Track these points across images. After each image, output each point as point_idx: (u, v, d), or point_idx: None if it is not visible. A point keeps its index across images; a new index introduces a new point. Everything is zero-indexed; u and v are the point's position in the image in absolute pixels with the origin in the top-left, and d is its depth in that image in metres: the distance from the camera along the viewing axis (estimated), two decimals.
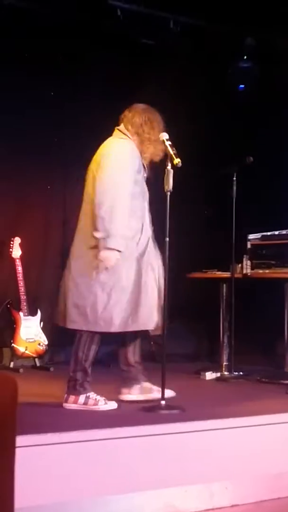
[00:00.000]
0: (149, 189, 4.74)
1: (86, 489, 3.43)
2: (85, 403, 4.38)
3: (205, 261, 6.58)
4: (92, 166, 4.71)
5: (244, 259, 5.89)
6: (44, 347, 6.19)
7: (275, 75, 6.94)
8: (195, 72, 7.18)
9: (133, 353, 4.77)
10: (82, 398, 4.41)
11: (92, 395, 4.43)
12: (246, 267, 5.87)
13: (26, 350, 6.09)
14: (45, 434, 3.41)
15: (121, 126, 4.91)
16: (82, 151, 6.95)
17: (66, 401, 4.42)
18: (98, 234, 4.40)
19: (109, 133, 6.93)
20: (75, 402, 4.39)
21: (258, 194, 6.81)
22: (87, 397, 4.42)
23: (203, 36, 6.86)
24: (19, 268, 6.23)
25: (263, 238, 5.83)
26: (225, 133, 7.18)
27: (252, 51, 6.99)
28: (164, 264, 4.46)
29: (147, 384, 4.66)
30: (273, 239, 5.73)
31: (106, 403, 4.39)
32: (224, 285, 6.08)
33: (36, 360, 6.19)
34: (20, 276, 6.21)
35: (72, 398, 4.42)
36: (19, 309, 6.19)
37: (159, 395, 4.26)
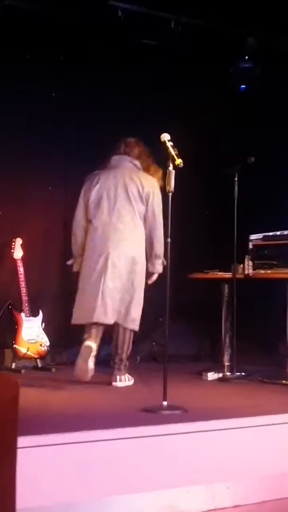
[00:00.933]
0: None
1: (87, 490, 3.42)
2: (129, 379, 5.44)
3: (206, 262, 6.57)
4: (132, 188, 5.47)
5: (246, 259, 5.89)
6: (46, 348, 6.19)
7: (277, 75, 6.94)
8: (196, 72, 7.18)
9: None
10: (128, 376, 5.46)
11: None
12: (248, 267, 5.86)
13: (27, 351, 6.09)
14: (46, 435, 3.41)
15: (147, 161, 5.67)
16: (83, 152, 7.00)
17: (119, 381, 5.42)
18: (161, 260, 5.47)
19: (110, 134, 6.98)
20: (125, 380, 5.43)
21: (260, 194, 6.81)
22: (129, 376, 5.47)
23: (204, 36, 6.86)
24: (21, 269, 6.23)
25: (265, 238, 5.82)
26: (226, 133, 7.18)
27: (253, 52, 6.99)
28: (167, 264, 4.47)
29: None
30: (275, 239, 5.73)
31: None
32: (226, 286, 6.07)
33: (38, 361, 6.19)
34: (21, 277, 6.21)
35: (124, 377, 5.43)
36: (21, 310, 6.19)
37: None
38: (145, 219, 5.47)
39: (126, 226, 5.40)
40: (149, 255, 5.49)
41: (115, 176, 5.50)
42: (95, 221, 5.51)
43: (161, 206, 5.44)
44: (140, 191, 5.44)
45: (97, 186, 5.53)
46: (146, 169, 5.62)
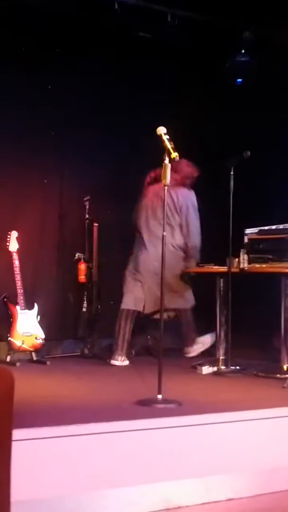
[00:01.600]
0: None
1: (82, 483, 3.43)
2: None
3: (202, 256, 6.58)
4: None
5: (241, 253, 5.88)
6: (41, 341, 6.19)
7: (273, 69, 6.93)
8: (192, 66, 7.18)
9: None
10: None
11: None
12: (243, 261, 5.86)
13: (22, 344, 6.09)
14: (41, 428, 3.41)
15: None
16: (78, 145, 6.99)
17: (191, 352, 6.43)
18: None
19: (105, 128, 6.98)
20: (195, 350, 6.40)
21: (256, 188, 6.81)
22: None
23: (200, 30, 6.85)
24: (16, 262, 6.22)
25: (261, 232, 5.81)
26: (222, 127, 7.18)
27: (250, 45, 6.98)
28: (162, 257, 4.45)
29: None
30: (271, 233, 5.72)
31: None
32: (221, 280, 6.07)
33: (33, 354, 6.19)
34: (17, 270, 6.20)
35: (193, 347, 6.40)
36: (16, 303, 6.19)
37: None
38: None
39: None
40: None
41: None
42: None
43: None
44: None
45: None
46: None
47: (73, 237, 6.99)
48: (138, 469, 3.58)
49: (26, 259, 6.53)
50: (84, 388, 5.01)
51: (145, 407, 4.14)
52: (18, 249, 6.29)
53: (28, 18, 6.31)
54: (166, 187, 4.39)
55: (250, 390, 5.07)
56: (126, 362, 6.19)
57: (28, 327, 6.17)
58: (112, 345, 6.31)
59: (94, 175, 7.05)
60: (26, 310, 6.21)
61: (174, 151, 4.39)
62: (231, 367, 5.89)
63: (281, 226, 5.69)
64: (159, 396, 4.21)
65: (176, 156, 4.36)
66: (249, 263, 5.84)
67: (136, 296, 6.31)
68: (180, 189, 6.36)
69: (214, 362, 5.99)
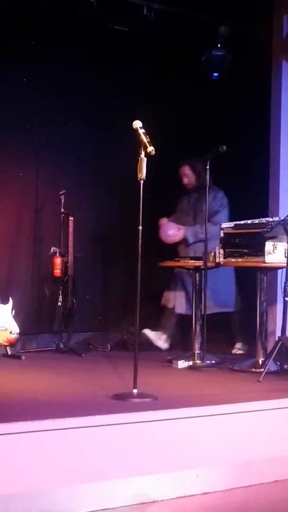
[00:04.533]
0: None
1: (57, 478, 3.42)
2: None
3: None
4: None
5: (217, 247, 5.90)
6: (16, 336, 6.16)
7: (249, 63, 6.95)
8: (168, 59, 7.17)
9: None
10: None
11: None
12: (219, 255, 5.87)
13: None
14: (16, 423, 3.39)
15: None
16: (55, 139, 6.97)
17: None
18: None
19: (82, 122, 6.95)
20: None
21: (232, 182, 6.82)
22: None
23: (177, 23, 6.84)
24: None
25: (236, 226, 5.83)
26: (198, 121, 7.18)
27: (225, 40, 6.98)
28: (136, 252, 4.44)
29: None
30: (246, 227, 5.73)
31: None
32: (197, 274, 6.08)
33: (8, 348, 6.15)
34: None
35: None
36: None
37: None
38: None
39: None
40: None
41: None
42: None
43: None
44: None
45: None
46: None
47: (48, 231, 6.95)
48: (113, 463, 3.57)
49: (1, 253, 6.49)
50: (60, 382, 4.99)
51: (120, 402, 4.13)
52: None
53: (2, 10, 6.26)
54: (142, 181, 4.37)
55: (225, 384, 5.09)
56: None
57: (2, 321, 6.13)
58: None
59: (70, 168, 7.03)
60: (1, 305, 6.17)
61: (150, 145, 4.37)
62: (207, 361, 5.90)
63: (256, 221, 5.70)
64: (135, 391, 4.21)
65: (152, 150, 4.35)
66: (224, 258, 5.85)
67: None
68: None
69: (189, 357, 6.00)
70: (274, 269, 5.79)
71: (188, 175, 6.71)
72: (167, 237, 6.55)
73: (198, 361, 5.95)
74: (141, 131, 4.44)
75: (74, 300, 6.62)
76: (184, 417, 3.88)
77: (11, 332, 6.13)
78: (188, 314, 6.35)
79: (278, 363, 5.32)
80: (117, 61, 7.05)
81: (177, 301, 6.63)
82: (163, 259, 6.27)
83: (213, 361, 5.94)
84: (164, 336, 6.70)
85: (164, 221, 6.58)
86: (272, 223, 5.48)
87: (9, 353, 6.16)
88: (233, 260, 5.80)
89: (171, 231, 6.56)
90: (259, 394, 4.60)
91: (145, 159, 4.34)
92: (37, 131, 6.90)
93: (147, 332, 6.56)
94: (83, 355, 6.28)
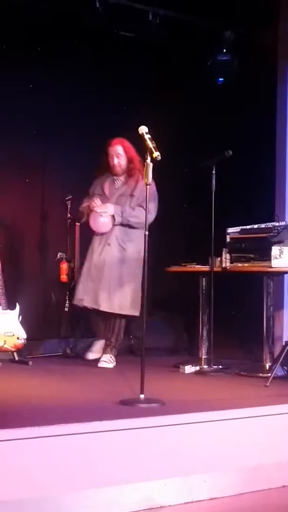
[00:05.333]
0: None
1: (64, 483, 3.41)
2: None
3: (184, 255, 6.59)
4: None
5: (223, 252, 5.90)
6: (23, 341, 6.15)
7: (254, 68, 6.95)
8: (174, 65, 7.18)
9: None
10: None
11: None
12: (225, 260, 5.87)
13: (4, 344, 6.05)
14: (23, 428, 3.39)
15: None
16: (61, 144, 6.97)
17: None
18: None
19: (88, 127, 6.96)
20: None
21: (238, 187, 6.82)
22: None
23: (182, 29, 6.85)
24: None
25: (242, 231, 5.83)
26: (204, 126, 7.19)
27: (231, 45, 6.99)
28: (144, 258, 4.44)
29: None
30: (252, 232, 5.73)
31: None
32: (203, 279, 6.08)
33: (15, 354, 6.15)
34: None
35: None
36: None
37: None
38: None
39: None
40: None
41: None
42: None
43: None
44: None
45: None
46: None
47: (55, 237, 6.96)
48: (121, 468, 3.57)
49: (8, 259, 6.49)
50: (66, 388, 4.99)
51: (128, 407, 4.13)
52: None
53: (9, 16, 6.28)
54: (148, 186, 4.38)
55: (232, 389, 5.08)
56: None
57: (9, 327, 6.13)
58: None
59: (76, 174, 7.03)
60: (8, 310, 6.17)
61: (156, 151, 4.38)
62: (214, 366, 5.90)
63: (263, 225, 5.70)
64: (142, 396, 4.21)
65: (158, 155, 4.36)
66: (231, 262, 5.85)
67: None
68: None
69: (196, 362, 5.99)
70: (280, 274, 5.79)
71: (120, 157, 6.08)
72: (97, 219, 5.99)
73: (205, 366, 5.94)
74: (147, 136, 4.45)
75: None
76: (192, 422, 3.87)
77: (18, 338, 6.13)
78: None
79: (286, 367, 5.32)
80: (122, 66, 7.06)
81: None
82: (170, 264, 6.27)
83: (220, 366, 5.93)
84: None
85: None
86: (279, 228, 5.48)
87: (16, 358, 6.15)
88: (239, 264, 5.80)
89: (100, 210, 5.98)
90: (267, 399, 4.60)
91: (151, 165, 4.36)
92: (43, 137, 6.90)
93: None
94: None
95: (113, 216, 5.96)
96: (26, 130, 6.77)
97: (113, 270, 5.97)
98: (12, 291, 6.39)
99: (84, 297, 6.04)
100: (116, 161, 6.06)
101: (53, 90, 6.83)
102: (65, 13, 6.48)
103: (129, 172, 6.08)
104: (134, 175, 6.05)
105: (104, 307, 5.96)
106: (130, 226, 5.98)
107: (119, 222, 5.96)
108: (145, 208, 4.57)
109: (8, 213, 6.73)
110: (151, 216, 5.73)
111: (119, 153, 6.05)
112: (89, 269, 6.05)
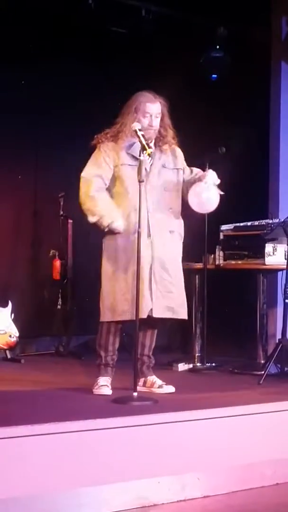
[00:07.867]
0: None
1: (58, 482, 3.41)
2: None
3: None
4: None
5: (217, 250, 5.89)
6: (15, 339, 6.13)
7: (247, 65, 6.93)
8: (167, 61, 7.15)
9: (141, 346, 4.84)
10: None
11: None
12: (219, 258, 5.87)
13: None
14: (16, 427, 3.38)
15: None
16: (54, 141, 6.95)
17: None
18: None
19: (81, 124, 6.92)
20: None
21: (231, 184, 6.78)
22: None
23: (175, 25, 6.83)
24: None
25: (236, 229, 5.82)
26: (197, 123, 7.16)
27: (224, 41, 6.97)
28: (138, 255, 4.41)
29: (150, 378, 4.81)
30: (246, 229, 5.73)
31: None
32: (197, 276, 6.07)
33: (7, 352, 6.14)
34: None
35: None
36: None
37: (162, 390, 4.65)
38: None
39: None
40: None
41: None
42: None
43: None
44: None
45: None
46: None
47: (47, 234, 6.94)
48: (114, 466, 3.56)
49: (0, 256, 6.47)
50: (59, 386, 4.97)
51: (121, 405, 4.12)
52: None
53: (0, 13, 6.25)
54: (142, 183, 4.36)
55: (225, 387, 5.07)
56: None
57: (2, 325, 6.10)
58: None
59: (69, 171, 6.98)
60: (0, 308, 6.15)
61: (149, 147, 4.37)
62: (207, 364, 5.89)
63: (256, 223, 5.70)
64: (135, 394, 4.19)
65: (151, 152, 4.35)
66: (224, 260, 5.85)
67: None
68: None
69: (190, 359, 5.99)
70: (274, 271, 5.78)
71: (158, 118, 4.84)
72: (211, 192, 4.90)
73: (198, 364, 5.93)
74: (140, 133, 4.44)
75: (74, 303, 6.61)
76: (185, 420, 3.87)
77: (10, 336, 6.11)
78: None
79: (279, 365, 5.31)
80: (115, 62, 7.03)
81: None
82: None
83: (214, 364, 5.92)
84: None
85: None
86: (272, 225, 5.47)
87: (9, 356, 6.14)
88: (233, 262, 5.79)
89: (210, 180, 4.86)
90: (260, 396, 4.59)
91: (144, 161, 4.34)
92: (36, 134, 6.88)
93: None
94: (82, 358, 6.25)
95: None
96: (18, 126, 6.74)
97: (179, 266, 4.79)
98: (4, 289, 6.38)
99: (151, 306, 4.58)
100: (156, 121, 4.78)
101: (45, 86, 6.80)
102: (57, 9, 6.44)
103: (163, 140, 4.82)
104: (171, 145, 4.89)
105: (183, 314, 4.74)
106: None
107: None
108: None
109: (0, 210, 6.70)
110: None
111: (159, 113, 4.85)
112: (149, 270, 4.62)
